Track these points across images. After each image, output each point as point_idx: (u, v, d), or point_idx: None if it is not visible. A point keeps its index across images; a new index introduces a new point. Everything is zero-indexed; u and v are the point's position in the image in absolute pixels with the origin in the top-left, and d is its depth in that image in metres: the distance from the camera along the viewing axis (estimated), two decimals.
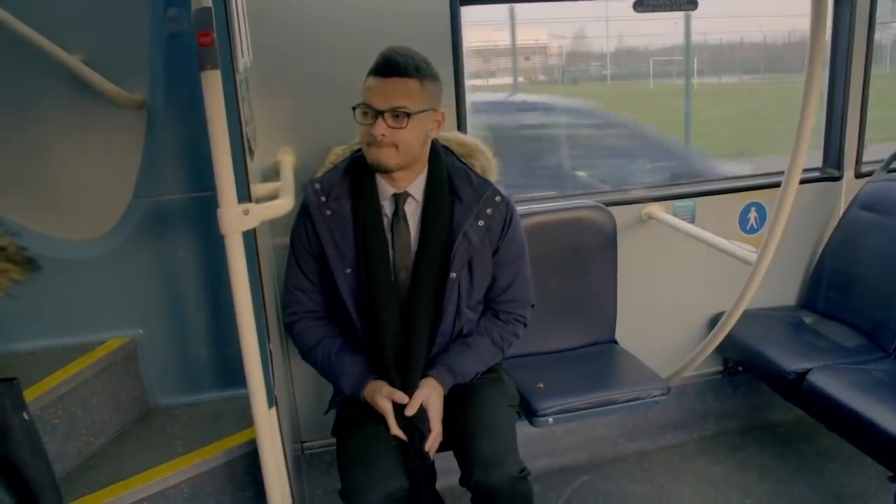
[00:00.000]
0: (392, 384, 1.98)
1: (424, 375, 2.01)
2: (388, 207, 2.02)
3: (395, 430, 1.94)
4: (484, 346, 2.11)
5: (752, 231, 3.03)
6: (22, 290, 2.17)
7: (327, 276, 2.02)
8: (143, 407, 2.40)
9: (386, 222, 2.01)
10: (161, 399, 2.43)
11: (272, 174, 2.25)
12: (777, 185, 2.18)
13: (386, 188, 2.01)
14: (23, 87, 2.18)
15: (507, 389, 2.19)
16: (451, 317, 2.05)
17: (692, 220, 2.90)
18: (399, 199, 2.01)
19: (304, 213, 2.02)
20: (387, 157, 1.91)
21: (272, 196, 1.89)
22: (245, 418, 2.21)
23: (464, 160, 2.12)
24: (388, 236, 2.01)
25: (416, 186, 2.02)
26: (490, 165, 2.18)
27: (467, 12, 2.48)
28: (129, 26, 2.20)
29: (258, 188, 1.91)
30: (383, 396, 1.96)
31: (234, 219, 1.53)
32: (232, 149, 1.50)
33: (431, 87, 1.94)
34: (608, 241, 2.69)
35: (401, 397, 1.95)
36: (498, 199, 2.04)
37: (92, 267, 2.29)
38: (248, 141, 1.78)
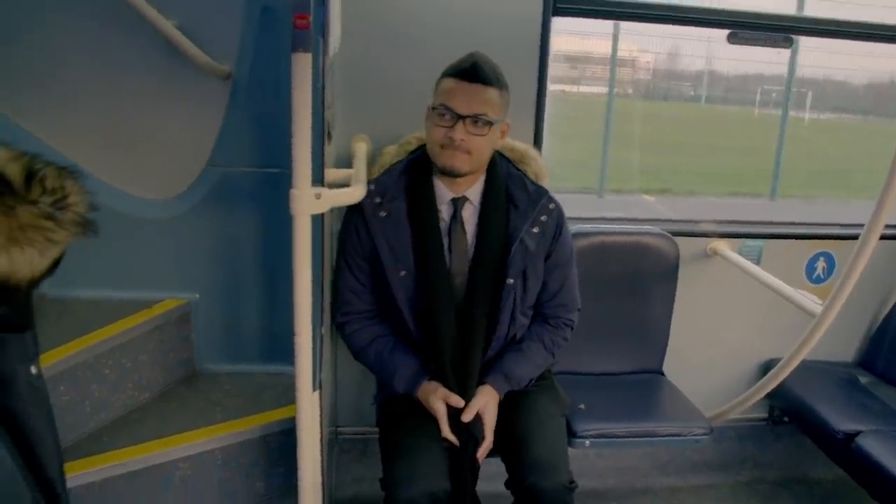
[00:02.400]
0: (448, 388, 1.97)
1: (481, 382, 2.01)
2: (445, 211, 2.01)
3: (448, 433, 1.93)
4: (537, 352, 2.10)
5: (819, 281, 2.95)
6: (93, 242, 2.26)
7: (380, 278, 2.02)
8: (190, 370, 2.45)
9: (443, 226, 2.00)
10: (207, 364, 2.47)
11: (345, 160, 2.27)
12: (850, 237, 2.12)
13: (444, 192, 2.01)
14: (116, 46, 2.24)
15: (559, 397, 2.19)
16: (506, 323, 2.04)
17: (758, 262, 2.83)
18: (458, 203, 2.01)
19: (356, 215, 2.01)
20: (461, 161, 1.91)
21: (344, 182, 1.91)
22: (286, 395, 2.23)
23: (517, 166, 2.13)
24: (445, 240, 2.00)
25: (475, 191, 2.03)
26: (542, 171, 2.21)
27: (558, 22, 2.46)
28: None
29: (331, 173, 1.92)
30: (438, 398, 1.94)
31: (306, 201, 1.55)
32: (312, 132, 1.52)
33: (506, 96, 1.95)
34: (669, 271, 2.65)
35: (456, 401, 1.93)
36: (552, 206, 2.06)
37: (160, 227, 2.34)
38: (327, 126, 1.80)
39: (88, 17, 2.21)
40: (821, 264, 2.95)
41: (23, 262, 1.06)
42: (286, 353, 1.70)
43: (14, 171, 1.08)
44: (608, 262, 2.59)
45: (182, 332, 2.39)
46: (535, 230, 2.02)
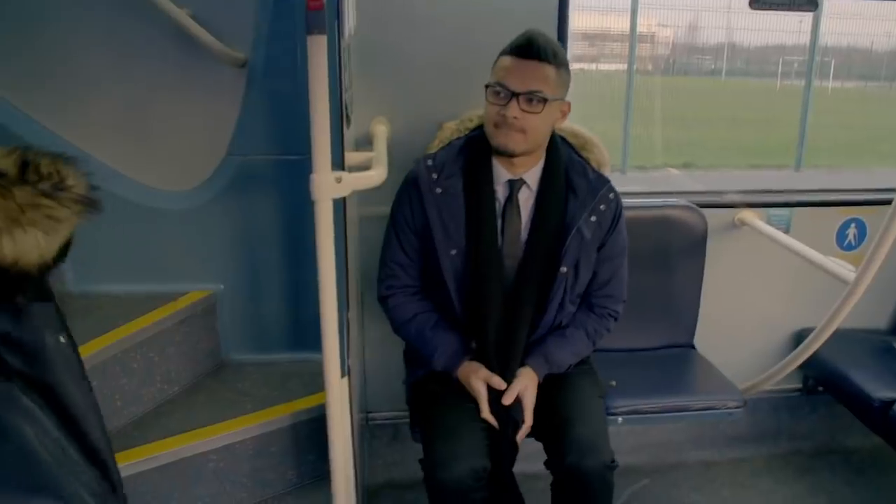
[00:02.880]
0: (489, 369, 1.95)
1: (521, 363, 1.99)
2: (501, 192, 1.97)
3: (487, 414, 1.92)
4: (579, 339, 2.08)
5: (850, 248, 2.90)
6: (115, 236, 2.27)
7: (429, 253, 1.99)
8: (217, 361, 2.45)
9: (497, 207, 1.97)
10: (234, 355, 2.47)
11: (365, 143, 2.25)
12: (882, 202, 2.07)
13: (502, 172, 1.97)
14: (129, 36, 2.22)
15: (597, 380, 2.17)
16: (554, 310, 2.01)
17: (787, 231, 2.78)
18: (514, 185, 1.97)
19: (412, 188, 1.99)
20: (515, 141, 1.87)
21: (364, 165, 1.88)
22: (314, 382, 2.23)
23: (579, 153, 2.08)
24: (499, 222, 1.97)
25: (533, 175, 1.98)
26: (604, 159, 2.15)
27: None
28: None
29: (351, 156, 1.90)
30: (479, 379, 1.93)
31: (327, 186, 1.53)
32: (330, 116, 1.49)
33: (565, 75, 1.89)
34: (697, 244, 2.61)
35: (498, 383, 1.92)
36: (612, 195, 2.02)
37: (181, 218, 2.33)
38: (346, 109, 1.78)
39: (102, 9, 2.20)
40: (852, 231, 2.89)
41: (28, 244, 1.05)
42: (313, 339, 1.69)
43: (7, 164, 1.07)
44: (635, 237, 2.52)
45: (208, 323, 2.39)
46: (593, 219, 1.98)
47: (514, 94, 1.82)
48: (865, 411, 2.51)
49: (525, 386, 1.94)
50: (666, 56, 18.61)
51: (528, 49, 1.83)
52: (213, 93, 2.27)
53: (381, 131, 2.20)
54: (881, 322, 3.03)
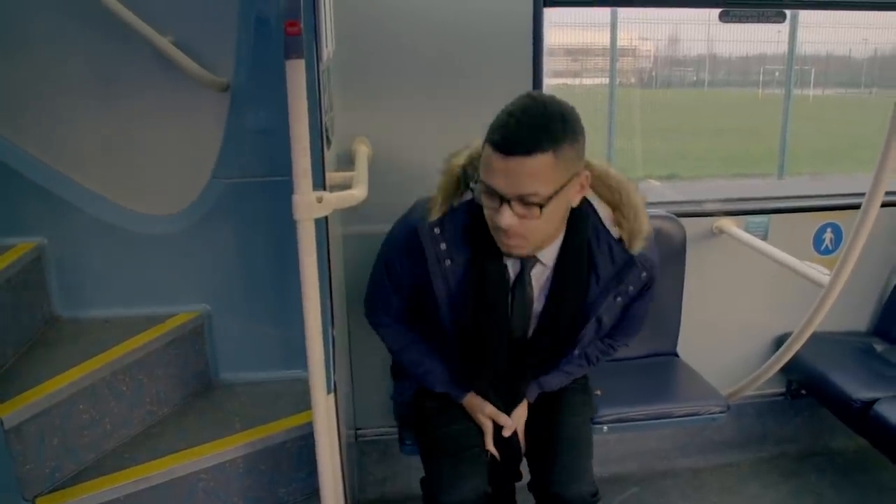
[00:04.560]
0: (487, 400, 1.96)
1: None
2: (511, 267, 1.76)
3: (492, 447, 1.95)
4: (578, 367, 2.04)
5: (827, 252, 2.95)
6: (102, 260, 2.30)
7: (429, 309, 1.85)
8: (206, 381, 2.47)
9: (508, 282, 1.78)
10: (223, 375, 2.49)
11: (346, 161, 2.28)
12: (855, 206, 2.12)
13: None
14: (113, 63, 2.25)
15: (590, 400, 2.17)
16: (560, 365, 1.99)
17: (765, 237, 2.83)
18: (526, 263, 1.75)
19: (412, 253, 1.79)
20: (518, 246, 1.63)
21: (345, 184, 1.92)
22: (304, 401, 2.22)
23: (606, 224, 1.75)
24: (508, 298, 1.79)
25: (549, 253, 1.74)
26: (639, 225, 1.74)
27: (551, 14, 2.46)
28: (219, 9, 2.24)
29: (332, 176, 1.93)
30: (486, 416, 1.95)
31: (308, 206, 1.56)
32: (310, 138, 1.53)
33: (570, 151, 1.52)
34: (677, 253, 2.65)
35: (505, 421, 1.93)
36: (644, 275, 1.78)
37: (167, 241, 2.36)
38: (327, 130, 1.81)
39: (86, 35, 2.22)
40: (828, 235, 2.95)
41: None
42: (301, 358, 1.71)
43: None
44: None
45: (196, 344, 2.41)
46: (618, 300, 1.81)
47: (505, 200, 1.53)
48: (847, 413, 2.55)
49: (520, 415, 1.97)
50: (648, 69, 18.76)
51: (509, 143, 1.49)
52: (197, 117, 2.30)
53: (362, 151, 2.24)
54: (861, 324, 3.08)
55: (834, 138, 14.73)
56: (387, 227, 1.96)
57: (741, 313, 2.93)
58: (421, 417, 2.05)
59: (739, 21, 2.73)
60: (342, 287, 2.18)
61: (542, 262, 1.74)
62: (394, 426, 2.27)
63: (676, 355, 2.69)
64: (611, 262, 1.75)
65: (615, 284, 1.76)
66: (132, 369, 2.20)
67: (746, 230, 2.80)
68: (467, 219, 1.72)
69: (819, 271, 2.33)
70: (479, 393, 1.96)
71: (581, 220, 1.71)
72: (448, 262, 1.74)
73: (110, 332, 2.28)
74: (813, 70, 18.02)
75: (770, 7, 2.71)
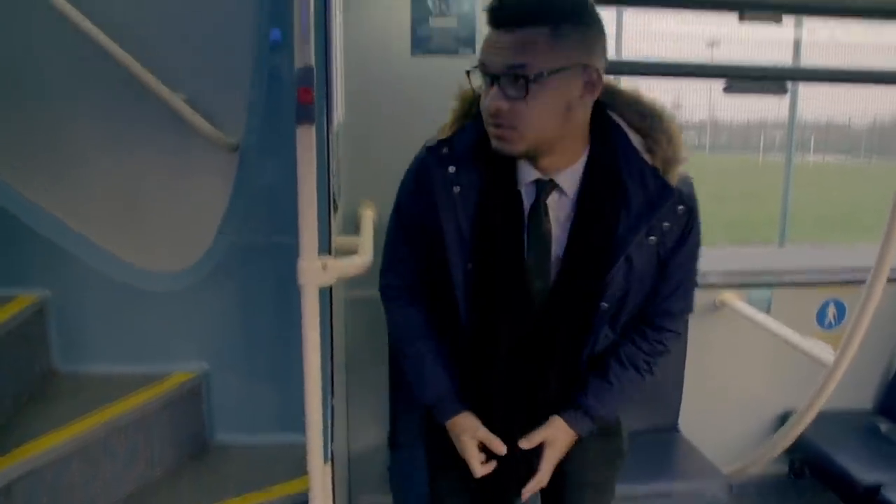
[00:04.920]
0: (492, 413, 1.57)
1: (548, 413, 1.59)
2: (525, 194, 1.47)
3: (481, 470, 1.57)
4: (629, 381, 1.60)
5: (830, 327, 2.94)
6: (103, 315, 2.29)
7: (438, 260, 1.54)
8: (202, 443, 2.43)
9: (524, 212, 1.48)
10: (219, 436, 2.45)
11: (351, 223, 2.29)
12: (859, 282, 2.12)
13: (526, 169, 1.46)
14: (124, 118, 2.28)
15: (622, 450, 1.80)
16: (590, 345, 1.55)
17: (768, 311, 2.83)
18: (541, 187, 1.46)
19: (421, 184, 1.55)
20: (508, 140, 1.36)
21: (351, 249, 1.92)
22: (300, 466, 2.18)
23: (638, 149, 1.46)
24: (522, 231, 1.48)
25: (569, 177, 1.45)
26: (674, 153, 1.47)
27: None
28: (233, 66, 2.29)
29: (338, 240, 1.94)
30: (472, 438, 1.57)
31: (313, 272, 1.56)
32: (318, 204, 1.54)
33: (574, 33, 1.30)
34: None
35: (498, 447, 1.55)
36: (681, 208, 1.46)
37: (170, 299, 2.35)
38: (334, 195, 1.83)
39: (98, 91, 2.26)
40: (831, 311, 2.94)
41: None
42: (299, 421, 1.68)
43: None
44: None
45: (193, 404, 2.38)
46: (652, 239, 1.46)
47: (494, 78, 1.33)
48: (852, 497, 2.50)
49: (553, 437, 1.57)
50: None
51: (501, 15, 1.31)
52: (205, 175, 2.33)
53: (367, 215, 2.26)
54: (866, 402, 3.05)
55: (834, 205, 14.82)
56: None
57: (744, 388, 2.90)
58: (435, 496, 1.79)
59: (743, 93, 2.77)
60: (343, 353, 2.17)
61: (561, 189, 1.45)
62: (388, 494, 2.23)
63: (677, 430, 2.66)
64: (642, 189, 1.43)
65: (647, 217, 1.43)
66: (128, 429, 2.17)
67: (749, 303, 2.79)
68: (477, 134, 1.48)
69: (823, 350, 2.32)
70: (480, 403, 1.59)
71: (607, 137, 1.45)
72: (457, 188, 1.48)
73: (108, 388, 2.26)
74: (813, 137, 18.26)
75: (773, 80, 2.75)
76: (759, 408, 2.94)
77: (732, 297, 2.78)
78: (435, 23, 2.40)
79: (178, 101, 2.21)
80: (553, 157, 1.42)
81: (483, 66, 1.35)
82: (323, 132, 1.65)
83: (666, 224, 1.45)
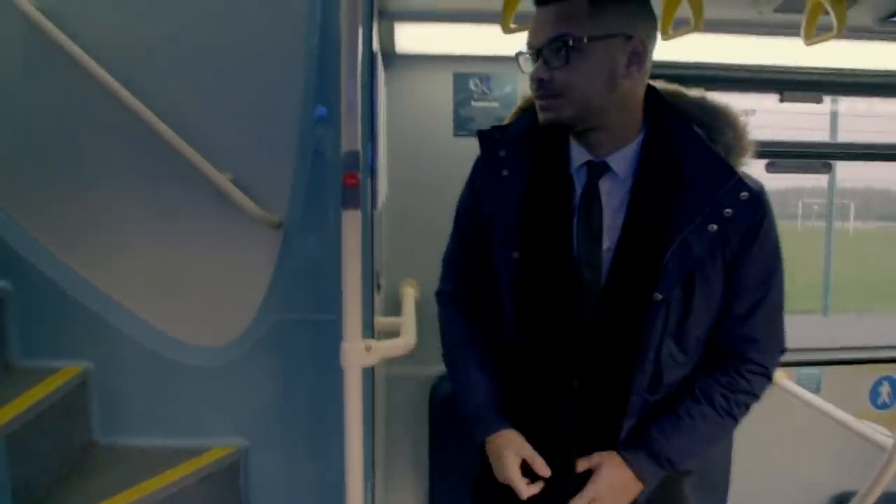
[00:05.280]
0: (544, 434, 1.41)
1: (604, 446, 1.41)
2: (577, 178, 1.42)
3: (527, 491, 1.39)
4: (703, 419, 1.40)
5: (884, 407, 2.84)
6: (143, 388, 2.31)
7: (488, 255, 1.48)
8: None
9: (574, 200, 1.41)
10: None
11: (393, 301, 2.29)
12: None
13: (579, 151, 1.42)
14: (171, 195, 2.34)
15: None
16: (651, 356, 1.37)
17: (818, 390, 2.74)
18: (594, 169, 1.40)
19: (475, 175, 1.54)
20: (555, 108, 1.35)
21: (393, 330, 1.92)
22: None
23: (700, 135, 1.41)
24: (574, 221, 1.40)
25: (621, 159, 1.39)
26: (738, 141, 1.42)
27: None
28: (277, 145, 2.33)
29: (380, 321, 1.94)
30: (513, 454, 1.41)
31: (356, 354, 1.56)
32: (362, 285, 1.54)
33: (613, 5, 1.31)
34: None
35: (541, 466, 1.39)
36: (744, 195, 1.34)
37: (210, 374, 2.36)
38: (377, 276, 1.83)
39: (147, 169, 2.32)
40: (885, 389, 2.85)
41: None
42: (338, 500, 1.66)
43: None
44: None
45: (231, 480, 2.36)
46: (713, 228, 1.33)
47: (538, 52, 1.34)
48: None
49: (604, 473, 1.38)
50: None
51: None
52: (249, 252, 2.35)
53: (409, 294, 2.26)
54: None
55: (878, 272, 14.55)
56: (433, 370, 1.92)
57: (795, 470, 2.80)
58: None
59: (785, 171, 2.75)
60: (383, 431, 2.14)
61: (613, 171, 1.39)
62: None
63: None
64: (703, 168, 1.35)
65: (706, 198, 1.33)
66: (166, 503, 2.15)
67: (798, 382, 2.71)
68: (530, 121, 1.46)
69: (880, 433, 2.23)
70: (530, 414, 1.43)
71: (665, 121, 1.40)
72: (505, 171, 1.44)
73: (147, 462, 2.26)
74: (852, 204, 18.07)
75: (815, 158, 2.73)
76: (813, 490, 2.83)
77: (781, 376, 2.71)
78: (477, 104, 2.44)
79: (223, 181, 2.26)
80: (603, 133, 1.38)
81: (529, 45, 1.37)
82: (368, 217, 1.67)
83: (728, 211, 1.34)
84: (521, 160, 1.43)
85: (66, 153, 2.32)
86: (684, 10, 1.81)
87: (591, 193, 1.40)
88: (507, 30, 1.87)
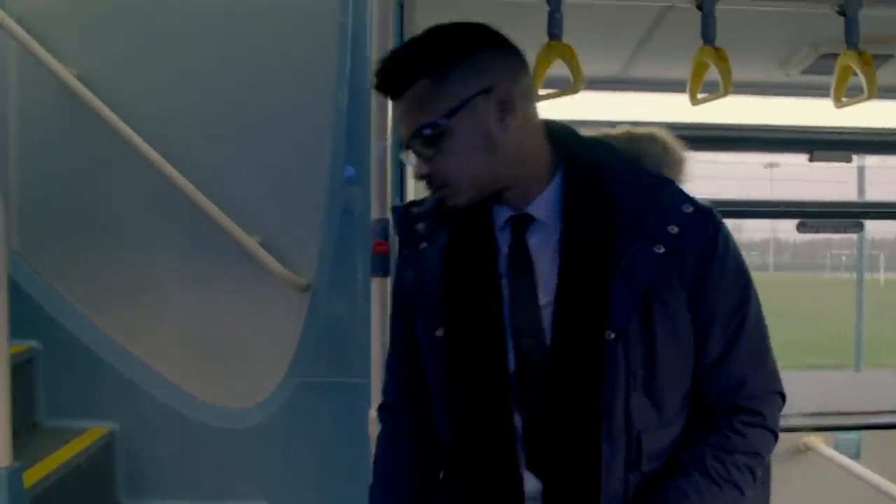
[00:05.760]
0: None
1: None
2: (502, 238, 1.22)
3: None
4: (700, 493, 1.12)
5: None
6: (168, 449, 2.30)
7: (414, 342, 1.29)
8: None
9: (502, 263, 1.21)
10: None
11: None
12: None
13: (501, 212, 1.23)
14: (201, 259, 2.38)
15: None
16: (619, 414, 1.11)
17: (857, 455, 2.66)
18: (517, 224, 1.21)
19: (398, 253, 1.35)
20: (450, 197, 1.18)
21: None
22: None
23: (626, 160, 1.24)
24: (506, 283, 1.19)
25: (542, 204, 1.20)
26: (670, 156, 1.27)
27: None
28: (306, 207, 2.37)
29: None
30: None
31: None
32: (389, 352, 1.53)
33: (456, 69, 1.14)
34: (760, 472, 2.49)
35: None
36: (688, 208, 1.17)
37: (236, 435, 2.35)
38: None
39: (175, 230, 2.38)
40: None
41: None
42: None
43: None
44: None
45: None
46: (659, 249, 1.14)
47: (408, 146, 1.18)
48: None
49: None
50: None
51: (381, 85, 1.18)
52: (276, 313, 2.36)
53: None
54: None
55: None
56: None
57: None
58: None
59: (817, 231, 2.72)
60: None
61: (539, 220, 1.19)
62: None
63: None
64: (634, 189, 1.18)
65: (645, 218, 1.15)
66: None
67: (836, 448, 2.63)
68: None
69: None
70: None
71: (577, 149, 1.22)
72: (424, 244, 1.26)
73: None
74: (882, 255, 17.85)
75: (846, 217, 2.70)
76: None
77: (818, 441, 2.63)
78: None
79: (252, 244, 2.29)
80: (513, 190, 1.19)
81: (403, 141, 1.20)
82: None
83: (673, 228, 1.14)
84: (440, 230, 1.26)
85: (98, 216, 2.38)
86: (710, 73, 1.81)
87: (518, 249, 1.20)
88: (536, 97, 1.87)
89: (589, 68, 1.78)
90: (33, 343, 2.35)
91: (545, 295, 1.16)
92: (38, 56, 2.30)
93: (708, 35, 1.72)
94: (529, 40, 1.70)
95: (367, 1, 2.22)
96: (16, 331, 1.84)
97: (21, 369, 2.23)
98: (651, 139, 1.27)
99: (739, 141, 2.56)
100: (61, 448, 2.17)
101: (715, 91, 1.82)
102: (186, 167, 2.29)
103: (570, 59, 1.72)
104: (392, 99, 1.18)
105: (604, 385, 1.10)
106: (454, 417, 1.20)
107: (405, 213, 1.30)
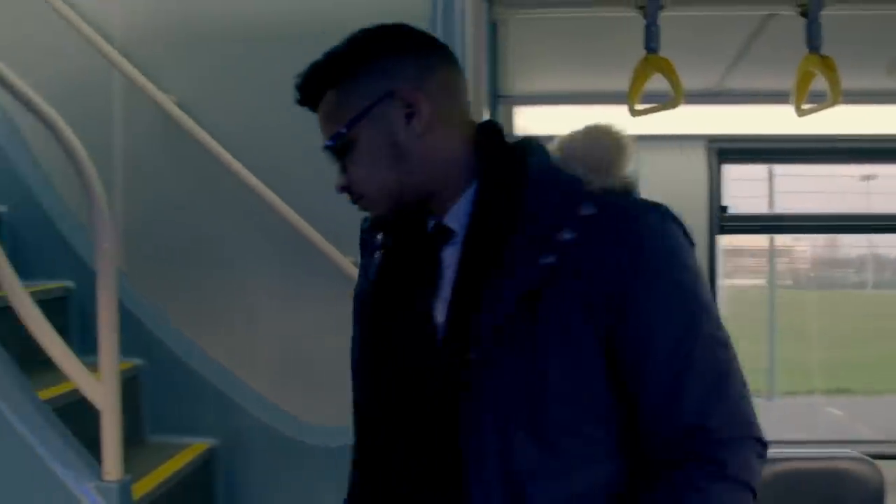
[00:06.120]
0: None
1: None
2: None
3: None
4: None
5: None
6: (267, 467, 2.34)
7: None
8: None
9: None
10: None
11: None
12: None
13: (432, 220, 1.12)
14: (297, 279, 2.43)
15: None
16: (491, 457, 0.93)
17: None
18: (438, 234, 1.09)
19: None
20: (370, 209, 1.10)
21: None
22: None
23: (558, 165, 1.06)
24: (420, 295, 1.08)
25: (455, 213, 1.07)
26: (616, 157, 1.07)
27: None
28: None
29: None
30: None
31: None
32: None
33: (353, 79, 1.07)
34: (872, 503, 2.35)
35: None
36: (586, 211, 0.97)
37: (333, 454, 2.36)
38: None
39: (276, 253, 2.43)
40: None
41: None
42: None
43: None
44: (796, 495, 2.33)
45: None
46: (547, 260, 0.95)
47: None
48: None
49: None
50: (805, 269, 18.21)
51: (301, 100, 1.11)
52: None
53: None
54: None
55: None
56: None
57: None
58: None
59: None
60: None
61: (453, 230, 1.06)
62: None
63: None
64: (549, 195, 1.01)
65: (537, 228, 0.98)
66: None
67: None
68: None
69: None
70: None
71: (500, 158, 1.08)
72: (378, 254, 1.15)
73: None
74: None
75: None
76: None
77: None
78: None
79: (347, 264, 2.31)
80: (436, 199, 1.07)
81: None
82: None
83: (566, 236, 0.96)
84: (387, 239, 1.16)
85: (199, 239, 2.46)
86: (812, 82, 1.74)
87: (429, 264, 1.08)
88: (633, 112, 1.82)
89: (686, 82, 1.74)
90: (137, 361, 2.43)
91: (442, 313, 1.04)
92: (141, 85, 2.41)
93: (814, 43, 1.66)
94: (629, 55, 1.69)
95: (457, 23, 2.24)
96: (121, 349, 1.90)
97: (127, 386, 2.31)
98: (607, 130, 1.08)
99: (836, 153, 2.46)
100: (166, 463, 2.23)
101: (820, 101, 1.76)
102: (285, 190, 2.35)
103: (669, 72, 1.69)
104: (314, 112, 1.10)
105: (464, 416, 0.95)
106: (359, 441, 1.19)
107: (369, 224, 1.19)
